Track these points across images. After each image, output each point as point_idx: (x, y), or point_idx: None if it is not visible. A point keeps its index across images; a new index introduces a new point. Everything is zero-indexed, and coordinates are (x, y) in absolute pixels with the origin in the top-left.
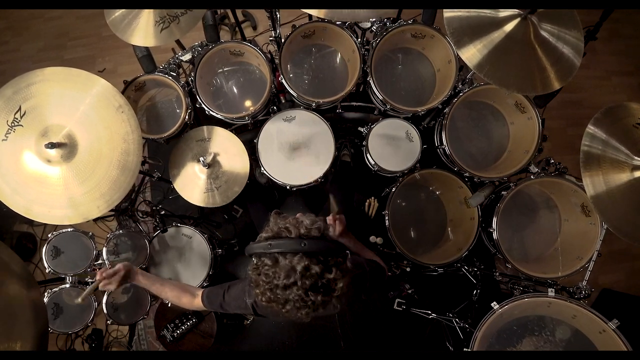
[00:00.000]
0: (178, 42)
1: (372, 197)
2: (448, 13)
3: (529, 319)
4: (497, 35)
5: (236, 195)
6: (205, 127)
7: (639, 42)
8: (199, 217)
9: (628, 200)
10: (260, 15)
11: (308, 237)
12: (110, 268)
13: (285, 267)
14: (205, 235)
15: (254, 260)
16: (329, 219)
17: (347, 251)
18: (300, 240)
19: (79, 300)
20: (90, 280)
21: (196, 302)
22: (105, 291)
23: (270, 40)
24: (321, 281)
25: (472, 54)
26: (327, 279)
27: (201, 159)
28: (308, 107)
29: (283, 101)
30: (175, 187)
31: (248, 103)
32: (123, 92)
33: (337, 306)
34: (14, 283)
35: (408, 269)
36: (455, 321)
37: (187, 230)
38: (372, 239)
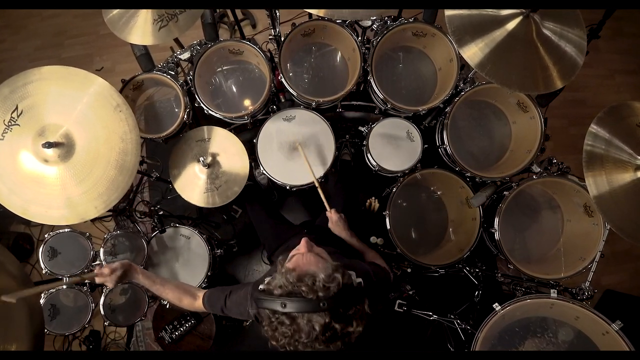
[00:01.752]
0: (177, 40)
1: (373, 197)
2: (449, 11)
3: (531, 321)
4: (499, 34)
5: (236, 196)
6: (205, 127)
7: None
8: (197, 217)
9: (631, 201)
10: (260, 14)
11: (326, 297)
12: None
13: (304, 328)
14: (204, 236)
15: (267, 313)
16: (327, 212)
17: (361, 274)
18: (318, 301)
19: (71, 280)
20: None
21: (197, 304)
22: (103, 290)
23: (270, 39)
24: (342, 332)
25: (473, 52)
26: (348, 331)
27: (201, 159)
28: (308, 107)
29: (283, 100)
30: (175, 187)
31: (247, 102)
32: (121, 91)
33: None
34: (9, 284)
35: (409, 270)
36: (457, 322)
37: (185, 230)
38: (373, 239)
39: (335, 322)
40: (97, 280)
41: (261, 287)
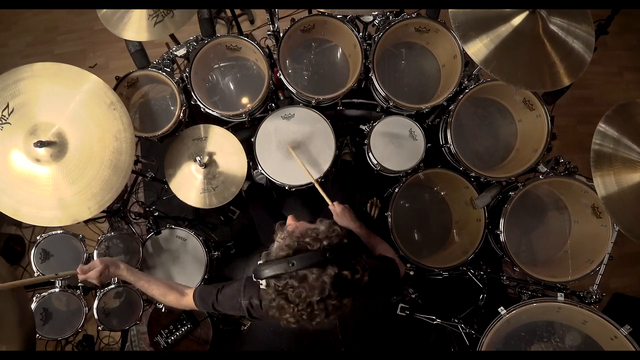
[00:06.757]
0: (172, 36)
1: (375, 198)
2: None
3: (538, 325)
4: (504, 30)
5: (233, 196)
6: (201, 126)
7: None
8: (194, 218)
9: None
10: (258, 9)
11: (331, 247)
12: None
13: (316, 283)
14: (201, 238)
15: (273, 284)
16: (330, 206)
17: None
18: (324, 251)
19: (56, 275)
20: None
21: (185, 301)
22: (97, 294)
23: (268, 35)
24: (351, 281)
25: (478, 48)
26: (355, 279)
27: (197, 158)
28: (307, 104)
29: (282, 98)
30: (171, 187)
31: (245, 100)
32: (115, 89)
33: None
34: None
35: (412, 273)
36: (461, 327)
37: (181, 232)
38: None
39: (344, 270)
40: (80, 277)
41: (260, 261)
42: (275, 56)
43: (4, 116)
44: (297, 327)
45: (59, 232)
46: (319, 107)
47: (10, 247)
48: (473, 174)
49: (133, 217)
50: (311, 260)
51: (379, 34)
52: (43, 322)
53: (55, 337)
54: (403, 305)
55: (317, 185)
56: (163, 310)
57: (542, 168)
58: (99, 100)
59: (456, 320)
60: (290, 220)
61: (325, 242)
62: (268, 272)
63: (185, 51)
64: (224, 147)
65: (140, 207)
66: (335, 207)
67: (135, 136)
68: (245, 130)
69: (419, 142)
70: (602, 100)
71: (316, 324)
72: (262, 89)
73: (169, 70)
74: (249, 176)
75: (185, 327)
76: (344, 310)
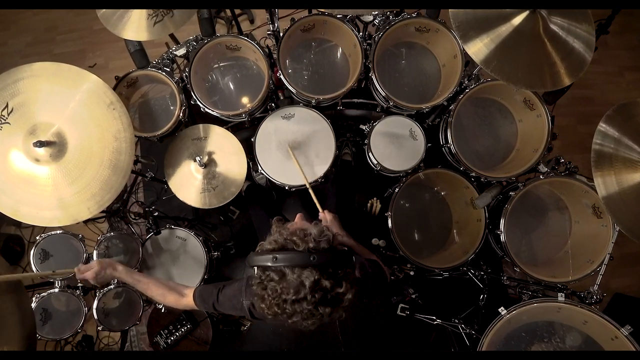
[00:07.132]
0: (172, 36)
1: (375, 198)
2: None
3: (538, 325)
4: (504, 29)
5: (233, 196)
6: (201, 126)
7: None
8: (193, 218)
9: None
10: (258, 9)
11: (317, 250)
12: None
13: (293, 283)
14: (200, 238)
15: (258, 273)
16: (320, 214)
17: (353, 257)
18: (309, 253)
19: (53, 272)
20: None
21: (185, 301)
22: (96, 294)
23: (268, 34)
24: (330, 294)
25: (478, 48)
26: (337, 292)
27: (197, 158)
28: (307, 104)
29: (282, 98)
30: (171, 187)
31: (245, 100)
32: (115, 89)
33: (342, 315)
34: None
35: (412, 273)
36: (461, 327)
37: (181, 232)
38: (375, 241)
39: (325, 278)
40: (78, 276)
41: (257, 249)
42: (275, 56)
43: (4, 116)
44: (275, 321)
45: (58, 232)
46: (319, 107)
47: (10, 247)
48: (473, 174)
49: (133, 217)
50: (292, 259)
51: (379, 34)
52: (42, 323)
53: (55, 338)
54: (403, 305)
55: (311, 192)
56: (163, 311)
57: (543, 168)
58: (98, 100)
59: (456, 321)
60: (297, 219)
61: (311, 245)
62: (254, 261)
63: (185, 51)
64: (223, 147)
65: (139, 207)
66: (325, 215)
67: (135, 136)
68: (245, 130)
69: (419, 142)
70: (603, 100)
71: (292, 323)
72: (262, 89)
73: (168, 70)
74: (249, 176)
75: (185, 328)
76: (322, 318)
